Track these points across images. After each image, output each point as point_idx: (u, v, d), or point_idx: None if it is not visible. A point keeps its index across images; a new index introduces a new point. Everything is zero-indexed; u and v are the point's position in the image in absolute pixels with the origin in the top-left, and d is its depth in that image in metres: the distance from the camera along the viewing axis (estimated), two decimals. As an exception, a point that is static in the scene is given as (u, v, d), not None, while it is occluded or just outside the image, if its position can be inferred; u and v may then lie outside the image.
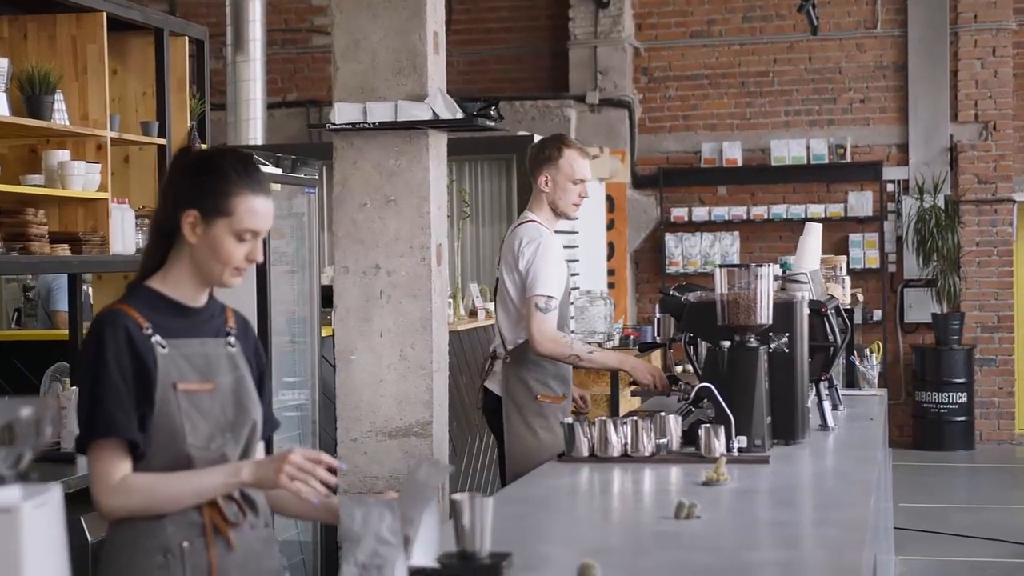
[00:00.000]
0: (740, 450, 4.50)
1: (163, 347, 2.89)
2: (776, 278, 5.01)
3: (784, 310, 4.82)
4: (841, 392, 5.93)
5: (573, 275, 7.13)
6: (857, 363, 6.84)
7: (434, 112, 5.86)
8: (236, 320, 3.09)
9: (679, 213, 13.61)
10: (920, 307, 13.28)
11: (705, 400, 4.63)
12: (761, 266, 4.70)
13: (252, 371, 3.07)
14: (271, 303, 6.57)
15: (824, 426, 5.31)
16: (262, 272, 6.43)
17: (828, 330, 5.34)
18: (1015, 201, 13.25)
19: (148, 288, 2.96)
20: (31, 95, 5.22)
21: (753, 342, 4.68)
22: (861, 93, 13.50)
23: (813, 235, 5.84)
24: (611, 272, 13.09)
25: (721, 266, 4.74)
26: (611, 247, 13.12)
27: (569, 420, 4.64)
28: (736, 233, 13.54)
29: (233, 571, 2.93)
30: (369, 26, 5.94)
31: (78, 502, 3.71)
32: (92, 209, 5.55)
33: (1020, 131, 13.34)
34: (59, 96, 5.38)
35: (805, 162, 13.41)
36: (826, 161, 13.39)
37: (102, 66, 5.58)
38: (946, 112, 13.29)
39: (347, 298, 5.88)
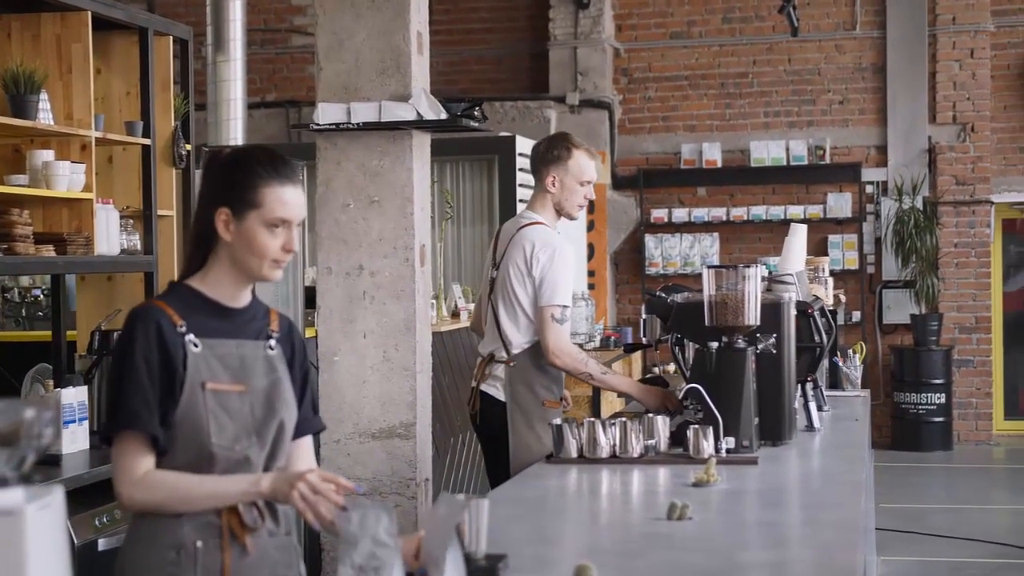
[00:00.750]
0: (728, 451, 4.51)
1: (196, 346, 2.91)
2: (762, 279, 5.01)
3: (771, 311, 4.83)
4: (824, 393, 5.94)
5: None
6: (840, 364, 6.85)
7: (418, 112, 5.85)
8: (280, 323, 3.10)
9: (659, 214, 13.63)
10: (898, 308, 13.33)
11: (691, 401, 4.63)
12: (749, 267, 4.70)
13: (293, 374, 3.08)
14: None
15: (810, 427, 5.32)
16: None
17: (814, 331, 5.35)
18: (993, 203, 13.31)
19: (188, 287, 2.99)
20: (16, 94, 5.18)
21: (741, 343, 4.69)
22: (840, 94, 13.54)
23: (798, 236, 5.85)
24: (591, 273, 13.09)
25: (709, 267, 4.74)
26: (591, 248, 13.12)
27: (558, 421, 4.62)
28: (716, 234, 13.56)
29: (246, 575, 2.93)
30: (352, 26, 5.93)
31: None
32: (77, 209, 5.52)
33: (998, 133, 13.40)
34: (43, 96, 5.35)
35: (784, 163, 13.44)
36: (805, 162, 13.42)
37: (87, 65, 5.55)
38: (924, 114, 13.34)
39: (330, 299, 5.87)
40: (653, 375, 5.42)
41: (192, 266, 3.01)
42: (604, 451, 4.48)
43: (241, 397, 2.95)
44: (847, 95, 13.53)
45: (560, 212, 5.40)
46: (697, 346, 4.88)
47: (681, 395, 4.72)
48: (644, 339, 5.50)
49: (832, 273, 11.81)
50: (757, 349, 4.74)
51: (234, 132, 10.62)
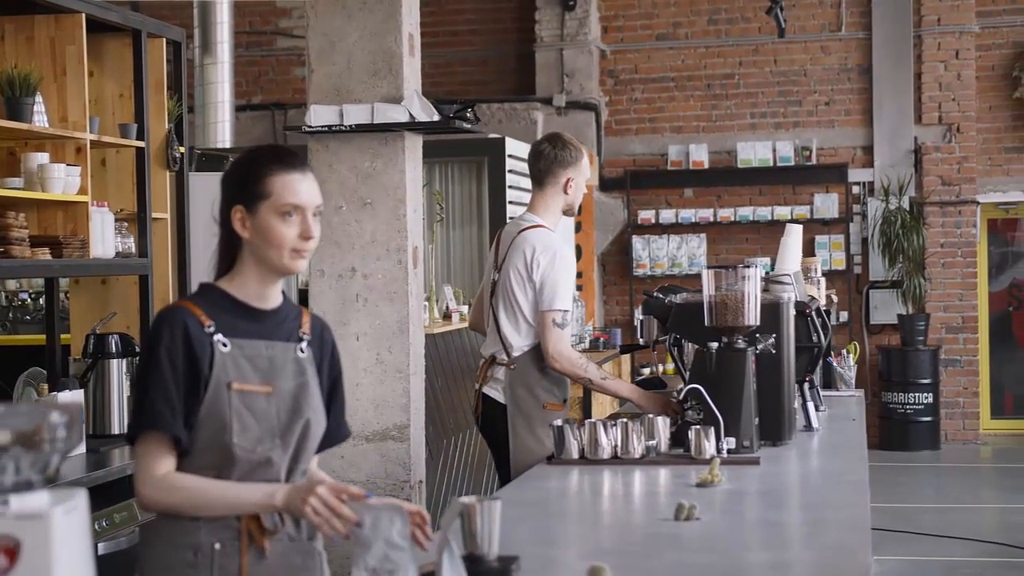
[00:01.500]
0: (729, 451, 4.50)
1: (225, 346, 2.91)
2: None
3: (771, 311, 4.82)
4: (820, 393, 5.94)
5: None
6: (834, 364, 6.86)
7: (411, 114, 5.84)
8: (312, 325, 3.08)
9: (646, 215, 13.63)
10: (885, 308, 13.36)
11: (691, 401, 4.63)
12: (748, 267, 4.69)
13: (322, 378, 3.06)
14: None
15: (808, 427, 5.32)
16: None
17: (812, 331, 5.35)
18: (978, 203, 13.35)
19: (216, 288, 2.99)
20: (11, 97, 5.15)
21: (741, 343, 4.68)
22: (826, 95, 13.57)
23: (794, 236, 5.85)
24: (579, 275, 13.07)
25: (709, 268, 4.73)
26: (578, 250, 13.11)
27: (559, 422, 4.61)
28: (703, 235, 13.57)
29: None
30: (344, 28, 5.92)
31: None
32: (72, 212, 5.50)
33: (983, 133, 13.44)
34: (38, 98, 5.32)
35: (771, 164, 13.46)
36: (792, 163, 13.44)
37: (81, 67, 5.52)
38: (910, 114, 13.37)
39: (323, 301, 5.86)
40: (652, 374, 5.41)
41: (220, 270, 3.01)
42: (605, 452, 4.48)
43: (268, 399, 2.94)
44: (833, 96, 13.55)
45: (568, 212, 5.40)
46: (696, 347, 4.88)
47: (681, 395, 4.71)
48: (641, 340, 5.49)
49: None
50: (757, 349, 4.74)
51: (222, 135, 10.61)
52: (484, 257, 10.26)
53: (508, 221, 6.19)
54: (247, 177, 2.96)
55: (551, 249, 5.21)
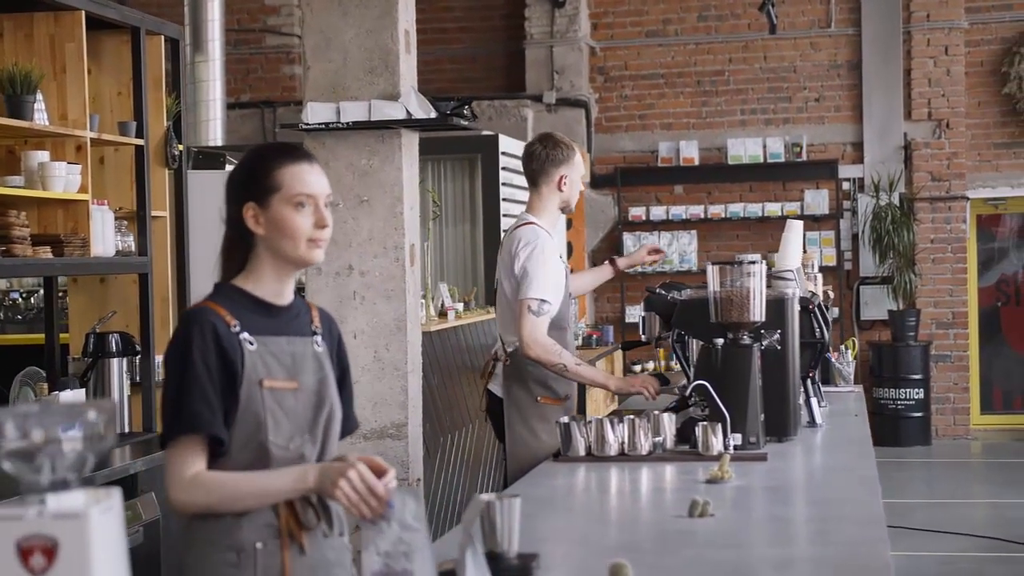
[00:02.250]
0: (736, 447, 4.50)
1: (251, 344, 2.89)
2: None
3: (775, 307, 4.82)
4: (821, 388, 5.94)
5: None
6: (833, 360, 6.86)
7: (408, 111, 5.82)
8: (321, 319, 3.08)
9: (637, 212, 13.63)
10: (876, 304, 13.38)
11: (695, 397, 4.62)
12: (754, 263, 4.69)
13: (335, 371, 3.05)
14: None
15: (812, 423, 5.33)
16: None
17: (815, 326, 5.35)
18: (968, 199, 13.38)
19: (233, 287, 2.97)
20: (11, 95, 5.12)
21: (746, 339, 4.68)
22: (816, 92, 13.58)
23: (795, 232, 5.85)
24: (571, 272, 13.05)
25: (714, 263, 4.73)
26: (569, 247, 13.09)
27: (565, 419, 4.61)
28: (694, 232, 13.58)
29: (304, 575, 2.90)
30: (340, 24, 5.90)
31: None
32: (72, 211, 5.47)
33: (972, 129, 13.47)
34: (39, 96, 5.29)
35: (761, 161, 13.47)
36: (782, 160, 13.46)
37: (81, 65, 5.49)
38: (900, 110, 13.39)
39: (320, 299, 5.84)
40: (656, 370, 5.42)
41: (230, 271, 2.99)
42: (612, 449, 4.47)
43: (295, 395, 2.93)
44: (823, 92, 13.57)
45: (565, 209, 5.45)
46: (701, 343, 4.87)
47: (687, 392, 4.70)
48: (643, 337, 5.50)
49: (811, 270, 11.91)
50: (762, 345, 4.73)
51: (214, 133, 10.56)
52: (478, 255, 10.25)
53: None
54: (256, 173, 2.95)
55: (532, 242, 5.28)
